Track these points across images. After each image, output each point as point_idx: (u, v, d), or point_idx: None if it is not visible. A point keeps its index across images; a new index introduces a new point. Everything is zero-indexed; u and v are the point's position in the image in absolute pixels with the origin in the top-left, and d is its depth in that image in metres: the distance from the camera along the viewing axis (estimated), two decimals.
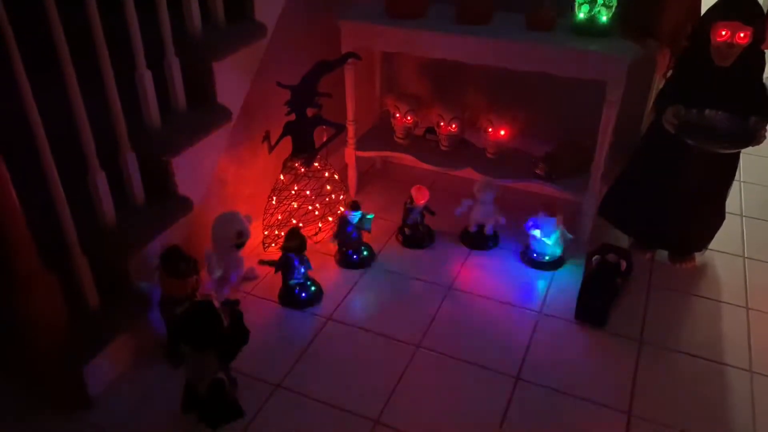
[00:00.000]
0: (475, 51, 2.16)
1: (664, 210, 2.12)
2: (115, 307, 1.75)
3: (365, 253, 2.27)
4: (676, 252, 2.27)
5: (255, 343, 1.64)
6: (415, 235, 2.36)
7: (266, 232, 2.27)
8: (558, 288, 2.14)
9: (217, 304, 1.52)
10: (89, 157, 1.64)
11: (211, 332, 1.53)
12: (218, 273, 1.96)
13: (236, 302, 1.59)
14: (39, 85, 1.44)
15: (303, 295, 2.07)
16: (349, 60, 2.22)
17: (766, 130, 1.85)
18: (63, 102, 1.55)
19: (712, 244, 2.27)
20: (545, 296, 2.11)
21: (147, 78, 1.78)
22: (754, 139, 1.84)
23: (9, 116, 1.49)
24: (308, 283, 2.09)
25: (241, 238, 1.96)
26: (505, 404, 1.71)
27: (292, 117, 2.11)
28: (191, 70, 1.92)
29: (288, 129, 2.14)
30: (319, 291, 2.11)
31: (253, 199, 2.23)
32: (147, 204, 1.86)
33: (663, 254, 2.28)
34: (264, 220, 2.25)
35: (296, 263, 2.03)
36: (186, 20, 1.91)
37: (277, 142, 2.14)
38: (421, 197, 2.28)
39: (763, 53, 1.90)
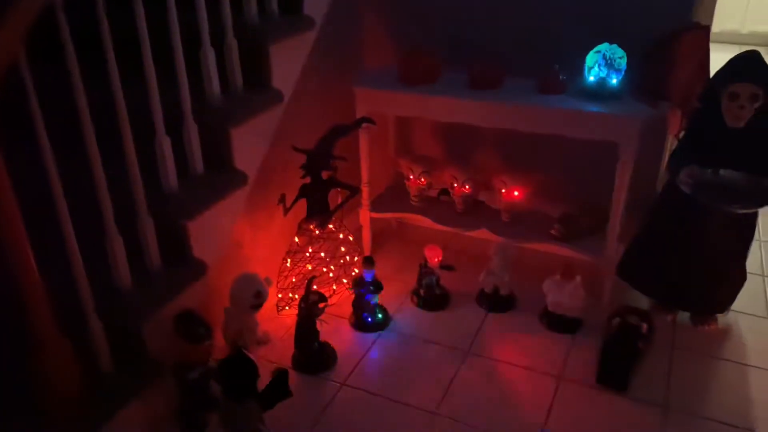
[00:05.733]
0: (487, 114, 2.19)
1: (683, 270, 2.08)
2: (128, 372, 1.73)
3: (380, 315, 2.25)
4: (698, 313, 2.22)
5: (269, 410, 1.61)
6: (431, 296, 2.34)
7: (280, 295, 2.25)
8: (578, 351, 2.09)
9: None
10: (107, 224, 1.66)
11: (251, 381, 1.57)
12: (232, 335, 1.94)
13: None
14: (61, 152, 1.48)
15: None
16: (364, 124, 2.26)
17: None
18: (83, 167, 1.58)
19: (735, 305, 2.22)
20: (565, 360, 2.06)
21: (166, 145, 1.82)
22: None
23: (30, 181, 1.52)
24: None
25: (259, 299, 1.96)
26: None
27: (308, 180, 2.14)
28: (209, 136, 1.95)
29: (303, 191, 2.16)
30: (333, 355, 2.08)
31: (268, 262, 2.23)
32: (162, 267, 1.87)
33: (685, 316, 2.23)
34: (278, 282, 2.24)
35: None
36: (205, 87, 1.96)
37: (292, 205, 2.16)
38: (434, 256, 2.27)
39: None
